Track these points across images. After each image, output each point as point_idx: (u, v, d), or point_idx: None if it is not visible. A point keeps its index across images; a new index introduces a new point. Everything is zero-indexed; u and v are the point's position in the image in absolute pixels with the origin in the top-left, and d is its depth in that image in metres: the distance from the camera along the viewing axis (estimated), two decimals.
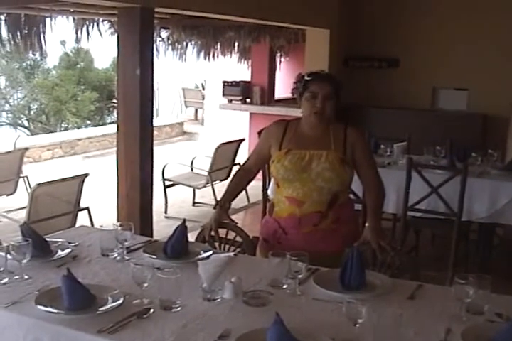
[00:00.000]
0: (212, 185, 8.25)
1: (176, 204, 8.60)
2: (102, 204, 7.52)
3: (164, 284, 2.55)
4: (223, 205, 3.65)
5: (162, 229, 6.67)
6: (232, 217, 3.68)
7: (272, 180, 3.89)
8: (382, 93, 9.04)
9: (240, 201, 8.39)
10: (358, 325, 2.32)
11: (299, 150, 3.44)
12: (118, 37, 5.78)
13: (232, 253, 3.24)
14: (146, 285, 2.63)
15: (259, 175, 6.22)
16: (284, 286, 2.79)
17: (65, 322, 2.46)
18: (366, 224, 3.42)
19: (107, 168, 9.12)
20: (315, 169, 3.37)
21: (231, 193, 3.74)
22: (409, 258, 3.81)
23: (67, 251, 3.23)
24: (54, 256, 3.17)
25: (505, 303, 2.68)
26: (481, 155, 6.28)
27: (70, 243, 3.36)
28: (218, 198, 7.89)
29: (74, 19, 8.13)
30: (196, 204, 8.78)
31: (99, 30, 8.33)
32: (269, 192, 6.28)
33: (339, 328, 2.38)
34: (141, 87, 5.53)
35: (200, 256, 3.14)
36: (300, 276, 2.77)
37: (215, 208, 3.68)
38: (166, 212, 8.22)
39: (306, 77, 3.46)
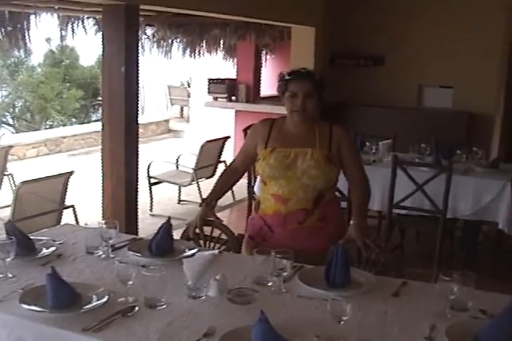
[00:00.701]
0: (197, 182, 8.24)
1: (161, 202, 8.59)
2: (87, 202, 7.50)
3: (149, 282, 2.55)
4: (209, 203, 3.64)
5: (147, 226, 6.66)
6: (218, 215, 3.68)
7: (258, 178, 3.89)
8: (368, 91, 9.06)
9: (225, 199, 8.27)
10: (342, 323, 2.32)
11: (284, 148, 3.44)
12: (103, 34, 5.76)
13: (216, 251, 3.24)
14: (130, 283, 2.63)
15: (245, 173, 6.24)
16: (269, 284, 2.79)
17: (50, 321, 2.45)
18: (351, 222, 3.42)
19: (92, 166, 9.09)
20: (300, 167, 3.37)
21: (217, 192, 3.74)
22: (393, 255, 3.82)
23: (52, 249, 3.21)
24: (38, 254, 3.15)
25: (489, 300, 2.69)
26: (466, 153, 6.31)
27: (54, 241, 3.35)
28: (204, 196, 7.88)
29: (59, 16, 8.09)
30: (182, 202, 8.77)
31: (84, 28, 8.30)
32: (255, 189, 6.29)
33: (324, 325, 2.38)
34: (126, 85, 5.51)
35: (185, 254, 3.14)
36: (285, 274, 2.77)
37: (200, 206, 3.67)
38: (151, 210, 8.20)
39: (286, 76, 3.47)
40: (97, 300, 2.57)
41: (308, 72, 3.53)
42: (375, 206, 5.92)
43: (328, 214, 3.47)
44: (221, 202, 3.87)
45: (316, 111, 3.44)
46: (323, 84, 3.46)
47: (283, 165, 3.40)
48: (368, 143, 6.45)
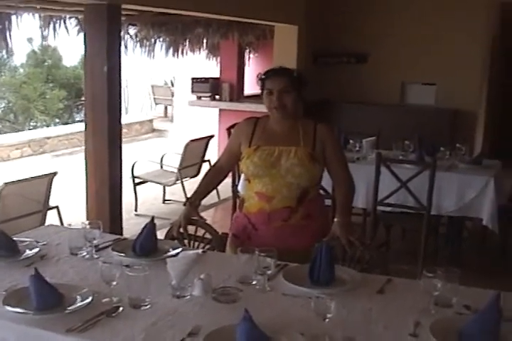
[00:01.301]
0: (182, 182, 8.23)
1: (146, 202, 8.58)
2: (71, 203, 7.47)
3: (133, 282, 2.54)
4: (193, 202, 3.63)
5: (132, 226, 6.65)
6: (202, 214, 3.67)
7: (242, 176, 3.88)
8: (351, 88, 9.08)
9: (210, 198, 8.24)
10: (327, 320, 2.32)
11: (268, 147, 3.44)
12: (85, 34, 5.74)
13: (200, 250, 3.24)
14: (114, 283, 2.62)
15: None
16: (254, 282, 2.79)
17: (34, 322, 2.43)
18: (335, 220, 3.42)
19: (77, 167, 9.05)
20: (284, 165, 3.37)
21: (202, 191, 3.73)
22: (378, 252, 3.83)
23: (35, 250, 3.20)
24: (22, 255, 3.13)
25: (473, 295, 2.70)
26: (450, 150, 6.34)
27: (38, 242, 3.33)
28: (188, 195, 7.87)
29: (40, 16, 8.05)
30: (166, 202, 8.76)
31: (66, 28, 8.26)
32: (239, 188, 6.29)
33: (309, 323, 2.38)
34: (109, 85, 5.49)
35: (169, 254, 3.13)
36: (269, 272, 2.77)
37: (184, 205, 3.67)
38: (136, 210, 8.19)
39: (262, 76, 3.48)
40: (81, 301, 2.56)
41: (283, 69, 3.53)
42: (359, 203, 5.93)
43: (313, 212, 3.48)
44: (206, 201, 3.87)
45: (295, 106, 3.43)
46: (301, 80, 3.45)
47: (267, 164, 3.40)
48: (351, 141, 6.45)
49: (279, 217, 3.43)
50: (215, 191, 8.19)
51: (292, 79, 3.42)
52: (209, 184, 3.79)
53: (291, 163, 3.37)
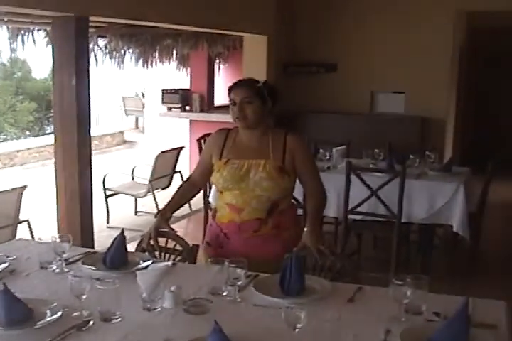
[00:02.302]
0: (153, 193, 8.21)
1: (118, 214, 8.53)
2: (42, 216, 7.42)
3: (103, 295, 2.53)
4: (164, 214, 3.63)
5: (105, 239, 6.60)
6: (174, 225, 3.67)
7: (213, 187, 3.87)
8: (321, 98, 9.13)
9: (182, 209, 8.31)
10: (297, 330, 2.32)
11: (237, 160, 3.46)
12: (53, 46, 5.72)
13: (170, 262, 3.24)
14: (84, 297, 2.60)
15: None
16: (224, 293, 2.78)
17: (3, 338, 2.41)
18: (305, 229, 3.43)
19: (48, 179, 9.01)
20: (253, 178, 3.39)
21: (174, 204, 3.73)
22: (349, 261, 3.84)
23: (4, 265, 3.16)
24: None
25: (442, 302, 2.72)
26: (419, 157, 6.39)
27: (7, 257, 3.29)
28: (160, 206, 7.84)
29: (8, 28, 8.01)
30: (138, 213, 8.73)
31: (34, 40, 8.22)
32: (210, 199, 6.29)
33: (279, 333, 2.38)
34: (78, 98, 5.47)
35: (140, 266, 3.12)
36: (239, 283, 2.77)
37: (155, 217, 3.66)
38: (108, 222, 8.15)
39: (229, 86, 3.50)
40: (51, 316, 2.54)
41: (246, 79, 3.56)
42: (330, 212, 5.96)
43: (283, 223, 3.49)
44: (178, 212, 3.86)
45: (257, 117, 3.43)
46: (268, 91, 3.45)
47: (236, 177, 3.42)
48: (321, 150, 6.49)
49: (250, 228, 3.44)
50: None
51: (254, 90, 3.42)
52: (182, 197, 3.79)
53: (259, 177, 3.38)
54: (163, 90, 10.75)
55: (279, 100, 3.52)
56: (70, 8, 5.29)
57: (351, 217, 5.92)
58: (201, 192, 6.12)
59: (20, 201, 5.80)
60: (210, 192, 6.22)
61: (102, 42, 9.82)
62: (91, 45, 8.92)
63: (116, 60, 10.30)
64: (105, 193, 8.21)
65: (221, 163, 3.49)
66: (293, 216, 3.64)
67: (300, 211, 4.98)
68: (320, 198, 3.59)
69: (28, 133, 19.38)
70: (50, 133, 17.75)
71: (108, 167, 9.74)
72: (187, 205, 8.14)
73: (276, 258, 3.24)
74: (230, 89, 3.47)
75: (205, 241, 3.66)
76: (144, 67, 10.75)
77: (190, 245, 3.57)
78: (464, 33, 10.11)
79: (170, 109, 10.72)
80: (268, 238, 3.46)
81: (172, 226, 3.61)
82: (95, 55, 9.64)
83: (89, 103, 5.65)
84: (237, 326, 2.47)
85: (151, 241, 3.53)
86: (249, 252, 3.25)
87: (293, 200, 3.75)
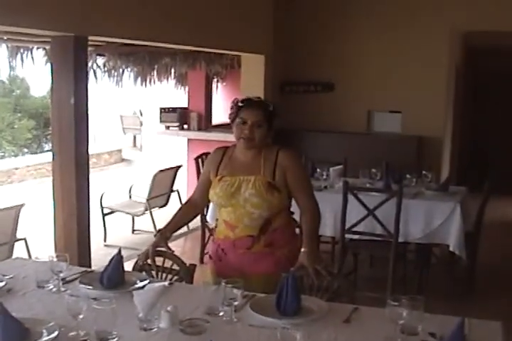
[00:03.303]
0: (150, 212, 8.20)
1: (115, 232, 8.53)
2: (40, 235, 7.42)
3: (100, 315, 2.52)
4: (164, 233, 3.65)
5: (102, 257, 6.58)
6: (172, 244, 3.69)
7: (211, 205, 3.89)
8: (318, 117, 9.14)
9: None
10: None
11: (230, 177, 3.49)
12: (52, 66, 5.74)
13: (167, 283, 3.24)
14: (81, 316, 2.60)
15: None
16: (221, 314, 2.79)
17: None
18: (302, 249, 3.43)
19: (45, 197, 9.01)
20: (243, 195, 3.42)
21: (174, 224, 3.74)
22: (346, 281, 3.84)
23: (1, 284, 3.17)
24: None
25: (438, 322, 2.72)
26: (416, 177, 6.41)
27: (4, 276, 3.30)
28: (157, 225, 7.86)
29: (7, 46, 8.06)
30: (135, 232, 8.73)
31: (33, 58, 8.27)
32: (208, 217, 6.30)
33: None
34: (76, 116, 5.48)
35: (136, 286, 3.13)
36: (236, 303, 2.77)
37: (155, 236, 3.68)
38: (105, 241, 8.15)
39: (239, 103, 3.50)
40: (48, 335, 2.54)
41: (261, 101, 3.56)
42: (327, 232, 5.97)
43: (276, 241, 3.50)
44: None
45: (264, 139, 3.48)
46: (274, 114, 3.49)
47: (227, 194, 3.46)
48: (318, 169, 6.50)
49: (243, 245, 3.48)
50: None
51: (267, 114, 3.46)
52: (183, 217, 3.82)
53: (249, 193, 3.41)
54: (161, 109, 10.77)
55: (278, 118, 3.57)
56: (69, 27, 5.32)
57: (348, 236, 5.92)
58: None
59: (18, 219, 5.80)
60: (207, 211, 6.23)
61: (100, 60, 9.88)
62: (89, 64, 8.96)
63: (115, 78, 10.35)
64: (102, 211, 8.21)
65: (216, 180, 3.54)
66: (288, 234, 3.62)
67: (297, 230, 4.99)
68: (313, 216, 3.57)
69: (26, 150, 19.41)
70: (48, 151, 17.78)
71: (106, 185, 9.75)
72: None
73: (267, 275, 3.34)
74: (241, 107, 3.48)
75: (209, 254, 3.76)
76: (142, 85, 10.80)
77: (187, 265, 3.58)
78: (461, 52, 10.18)
79: (168, 127, 10.73)
80: (261, 255, 3.49)
81: (169, 244, 3.62)
82: (94, 73, 9.69)
83: (87, 121, 5.66)
84: None
85: (149, 260, 3.54)
86: (242, 268, 3.42)
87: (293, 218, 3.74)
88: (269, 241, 3.48)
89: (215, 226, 3.71)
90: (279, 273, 3.15)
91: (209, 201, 3.79)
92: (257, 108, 3.47)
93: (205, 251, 6.05)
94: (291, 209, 3.67)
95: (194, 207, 3.84)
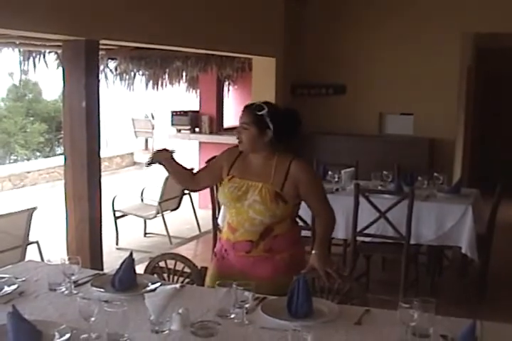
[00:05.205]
0: (162, 215, 8.22)
1: (127, 236, 8.55)
2: (52, 238, 7.44)
3: (112, 317, 2.54)
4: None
5: (114, 260, 6.60)
6: (183, 247, 3.73)
7: (223, 208, 3.90)
8: (330, 119, 9.15)
9: (191, 231, 8.39)
10: None
11: (239, 179, 3.51)
12: (63, 70, 5.75)
13: (178, 285, 3.25)
14: (93, 319, 2.61)
15: (209, 203, 6.26)
16: (232, 316, 2.79)
17: None
18: (313, 252, 3.43)
19: (57, 200, 9.04)
20: (248, 200, 3.44)
21: (179, 166, 3.85)
22: (357, 283, 3.84)
23: (14, 287, 3.18)
24: (0, 292, 3.12)
25: (449, 325, 2.71)
26: (428, 179, 6.39)
27: (16, 278, 3.31)
28: (169, 228, 7.86)
29: (20, 51, 8.10)
30: (147, 235, 8.74)
31: (46, 62, 8.31)
32: (219, 220, 6.30)
33: None
34: (88, 120, 5.49)
35: (148, 288, 3.13)
36: (247, 305, 2.77)
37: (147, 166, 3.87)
38: (117, 244, 8.17)
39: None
40: (59, 338, 2.54)
41: (251, 105, 3.54)
42: (339, 234, 5.96)
43: (276, 246, 3.49)
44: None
45: (252, 143, 3.48)
46: (267, 119, 3.44)
47: (234, 197, 3.48)
48: (330, 172, 6.49)
49: (242, 249, 3.50)
50: (195, 223, 8.30)
51: (252, 117, 3.45)
52: (183, 172, 3.88)
53: (253, 200, 3.42)
54: (172, 112, 10.79)
55: (292, 129, 3.56)
56: (81, 32, 5.34)
57: (360, 238, 5.92)
58: (209, 211, 6.19)
59: (30, 222, 5.83)
60: (219, 213, 6.23)
61: (112, 64, 9.91)
62: (101, 67, 9.00)
63: (127, 81, 10.38)
64: (114, 214, 8.24)
65: (226, 180, 3.58)
66: (290, 239, 3.57)
67: (308, 233, 4.99)
68: (328, 221, 3.59)
69: (38, 154, 19.47)
70: (60, 154, 17.83)
71: (117, 188, 9.77)
72: (196, 227, 8.20)
73: (265, 279, 3.35)
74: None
75: (214, 251, 3.78)
76: (154, 88, 10.83)
77: (199, 267, 3.59)
78: (472, 54, 10.15)
79: (179, 130, 10.75)
80: (259, 259, 3.49)
81: (181, 248, 3.67)
82: (106, 77, 9.73)
83: (99, 125, 5.68)
84: None
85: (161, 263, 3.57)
86: (242, 270, 3.46)
87: (300, 221, 3.75)
88: (269, 246, 3.48)
89: (223, 226, 3.75)
90: (276, 278, 3.29)
91: (203, 182, 3.85)
92: (246, 111, 3.50)
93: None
94: (299, 212, 3.68)
95: (191, 178, 3.86)
